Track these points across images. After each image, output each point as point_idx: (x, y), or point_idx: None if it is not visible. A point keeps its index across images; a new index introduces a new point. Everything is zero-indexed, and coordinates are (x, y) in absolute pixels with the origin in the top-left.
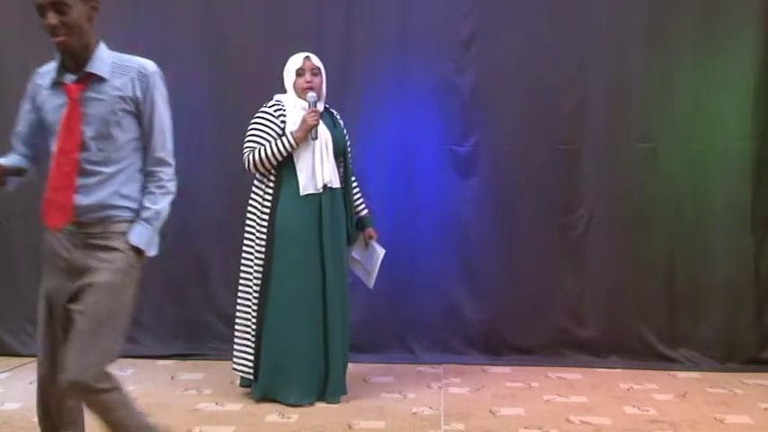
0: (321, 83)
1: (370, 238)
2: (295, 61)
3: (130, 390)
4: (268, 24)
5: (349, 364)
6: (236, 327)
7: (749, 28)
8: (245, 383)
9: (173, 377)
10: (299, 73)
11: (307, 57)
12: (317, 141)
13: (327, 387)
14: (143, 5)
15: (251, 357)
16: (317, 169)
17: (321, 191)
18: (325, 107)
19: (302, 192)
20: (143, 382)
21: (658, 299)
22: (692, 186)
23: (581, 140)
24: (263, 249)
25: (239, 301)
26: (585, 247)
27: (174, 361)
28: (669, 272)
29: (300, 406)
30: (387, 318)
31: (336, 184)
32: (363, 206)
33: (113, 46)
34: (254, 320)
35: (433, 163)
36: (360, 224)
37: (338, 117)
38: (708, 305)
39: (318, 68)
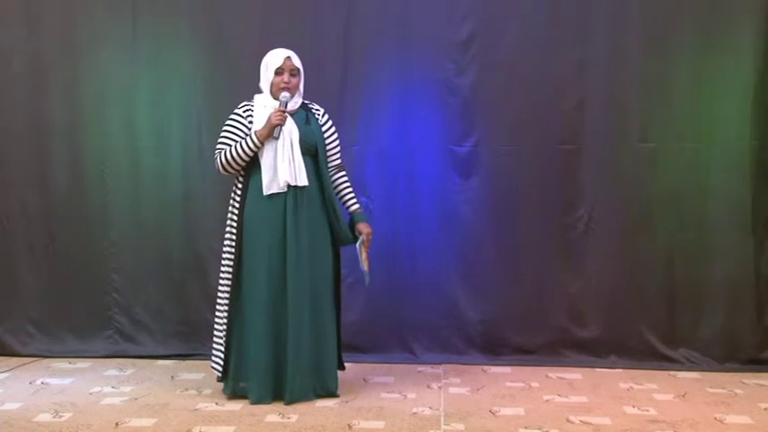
0: (299, 83)
1: (360, 233)
2: (275, 60)
3: (130, 390)
4: (268, 24)
5: (349, 364)
6: (215, 325)
7: (749, 28)
8: (221, 379)
9: (173, 377)
10: (278, 72)
11: (288, 57)
12: (279, 139)
13: (284, 387)
14: (141, 5)
15: (221, 355)
16: (279, 167)
17: (285, 189)
18: (303, 103)
19: (265, 191)
20: (143, 382)
21: (658, 299)
22: (692, 186)
23: (581, 140)
24: (232, 249)
25: (217, 299)
26: (585, 247)
27: (174, 361)
28: (669, 272)
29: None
30: (387, 318)
31: (304, 182)
32: (353, 201)
33: (110, 45)
34: (223, 319)
35: (433, 163)
36: (351, 222)
37: (319, 113)
38: (708, 305)
39: (298, 69)
